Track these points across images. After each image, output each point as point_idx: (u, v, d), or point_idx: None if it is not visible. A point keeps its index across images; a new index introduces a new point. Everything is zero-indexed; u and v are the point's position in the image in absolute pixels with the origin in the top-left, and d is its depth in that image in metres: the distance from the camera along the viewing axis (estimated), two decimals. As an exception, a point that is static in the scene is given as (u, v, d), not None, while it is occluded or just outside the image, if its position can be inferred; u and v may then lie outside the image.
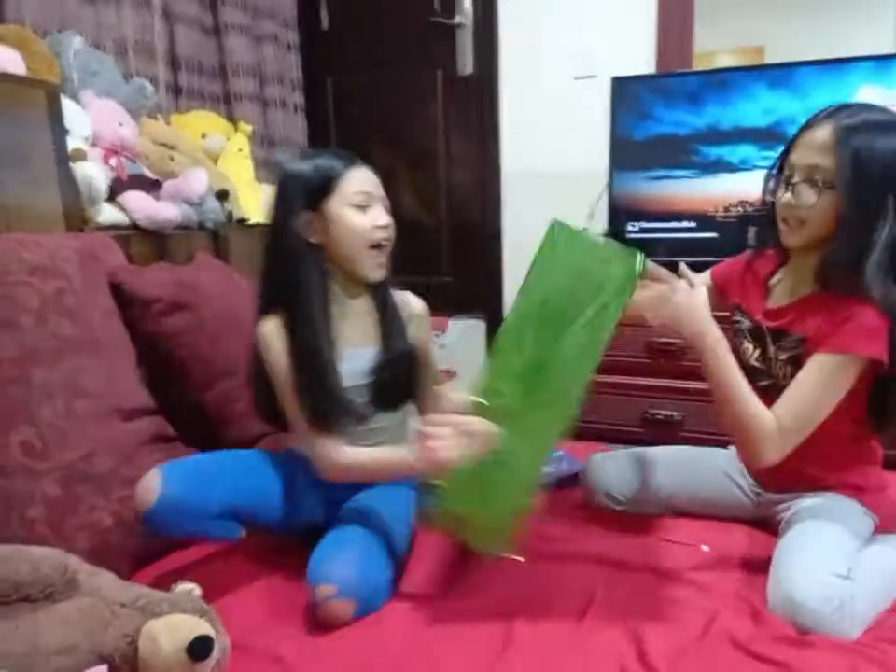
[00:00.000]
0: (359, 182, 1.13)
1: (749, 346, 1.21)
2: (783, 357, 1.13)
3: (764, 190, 1.15)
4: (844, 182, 1.00)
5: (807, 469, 1.14)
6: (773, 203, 1.12)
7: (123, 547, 1.13)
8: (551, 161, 2.52)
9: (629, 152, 2.13)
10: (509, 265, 2.55)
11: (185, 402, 1.38)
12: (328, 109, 2.82)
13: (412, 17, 2.62)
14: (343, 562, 1.05)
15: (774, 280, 1.21)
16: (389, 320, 1.20)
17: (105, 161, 1.62)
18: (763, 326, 1.18)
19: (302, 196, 1.11)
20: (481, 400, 1.00)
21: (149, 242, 1.63)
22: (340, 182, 1.11)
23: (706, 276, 1.32)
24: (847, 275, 1.03)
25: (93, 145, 1.61)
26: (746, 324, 1.22)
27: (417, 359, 1.22)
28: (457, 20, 2.56)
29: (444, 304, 2.63)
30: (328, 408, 1.10)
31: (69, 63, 1.64)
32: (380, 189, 1.16)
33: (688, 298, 1.06)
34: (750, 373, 1.12)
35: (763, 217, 1.16)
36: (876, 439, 1.19)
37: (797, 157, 1.06)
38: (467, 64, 2.59)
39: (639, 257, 0.98)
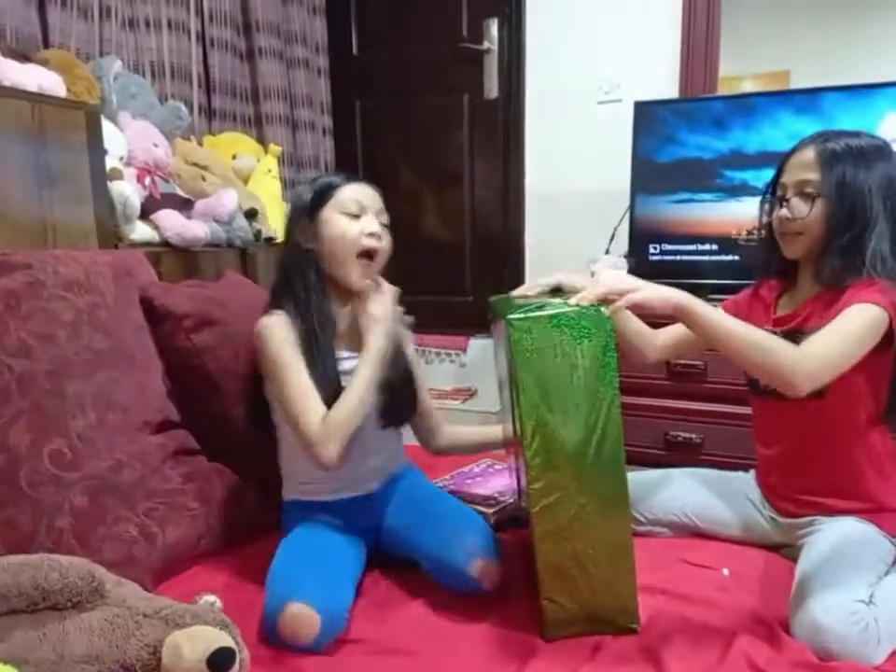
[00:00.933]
0: (354, 192, 1.19)
1: None
2: None
3: (761, 215, 1.24)
4: (829, 188, 1.11)
5: (821, 482, 1.14)
6: (769, 226, 1.22)
7: (147, 559, 1.15)
8: (574, 183, 2.54)
9: (651, 175, 2.14)
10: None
11: (211, 417, 1.41)
12: (355, 132, 2.88)
13: (440, 42, 2.67)
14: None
15: (783, 296, 1.25)
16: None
17: (140, 180, 1.66)
18: (775, 333, 1.17)
19: (303, 207, 1.20)
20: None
21: (180, 259, 1.67)
22: (336, 191, 1.19)
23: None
24: (845, 268, 1.10)
25: (128, 164, 1.66)
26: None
27: (413, 373, 1.28)
28: (485, 45, 2.60)
29: (465, 323, 2.65)
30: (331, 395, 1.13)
31: (109, 86, 1.70)
32: (378, 202, 1.22)
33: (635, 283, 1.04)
34: (759, 388, 1.16)
35: (763, 242, 1.25)
36: (891, 458, 1.18)
37: (787, 177, 1.18)
38: (493, 89, 2.63)
39: (602, 311, 0.96)
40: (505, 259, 2.67)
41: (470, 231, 2.74)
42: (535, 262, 2.65)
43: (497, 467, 1.58)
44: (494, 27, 2.59)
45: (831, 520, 1.15)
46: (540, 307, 0.97)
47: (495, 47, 2.60)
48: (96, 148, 1.48)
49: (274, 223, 2.10)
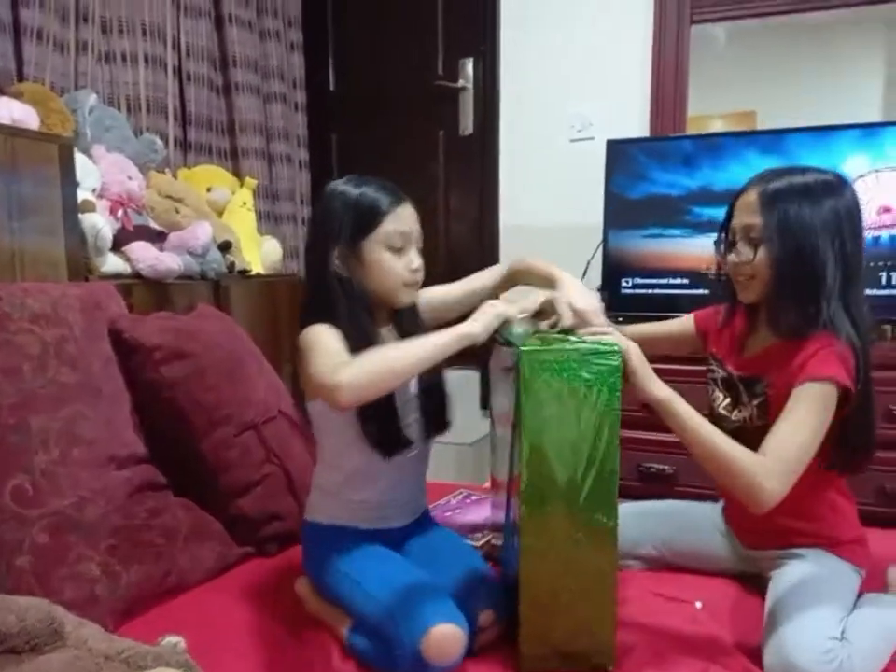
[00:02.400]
0: (399, 221, 1.12)
1: (719, 395, 1.23)
2: (755, 402, 1.15)
3: (717, 256, 1.22)
4: (770, 231, 1.08)
5: (779, 521, 1.12)
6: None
7: (110, 598, 1.11)
8: (547, 218, 2.58)
9: (623, 211, 2.18)
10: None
11: (180, 449, 1.38)
12: (331, 165, 2.90)
13: (416, 80, 2.72)
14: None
15: (749, 335, 1.23)
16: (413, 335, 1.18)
17: (112, 212, 1.66)
18: (734, 376, 1.20)
19: (340, 231, 1.11)
20: None
21: (151, 291, 1.66)
22: (380, 222, 1.11)
23: (689, 321, 1.34)
24: (800, 321, 1.08)
25: (101, 197, 1.65)
26: (720, 374, 1.24)
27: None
28: (460, 83, 2.65)
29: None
30: (389, 428, 1.10)
31: (84, 119, 1.70)
32: (417, 223, 1.16)
33: (640, 358, 1.03)
34: (717, 420, 1.16)
35: (723, 282, 1.23)
36: (846, 494, 1.19)
37: (735, 221, 1.15)
38: (468, 125, 2.67)
39: (616, 352, 0.97)
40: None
41: (446, 264, 2.75)
42: (510, 296, 2.66)
43: (473, 497, 1.58)
44: (469, 66, 2.64)
45: (795, 552, 1.16)
46: (554, 340, 0.98)
47: (470, 85, 2.65)
48: (68, 181, 1.47)
49: (249, 256, 2.10)
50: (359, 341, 1.06)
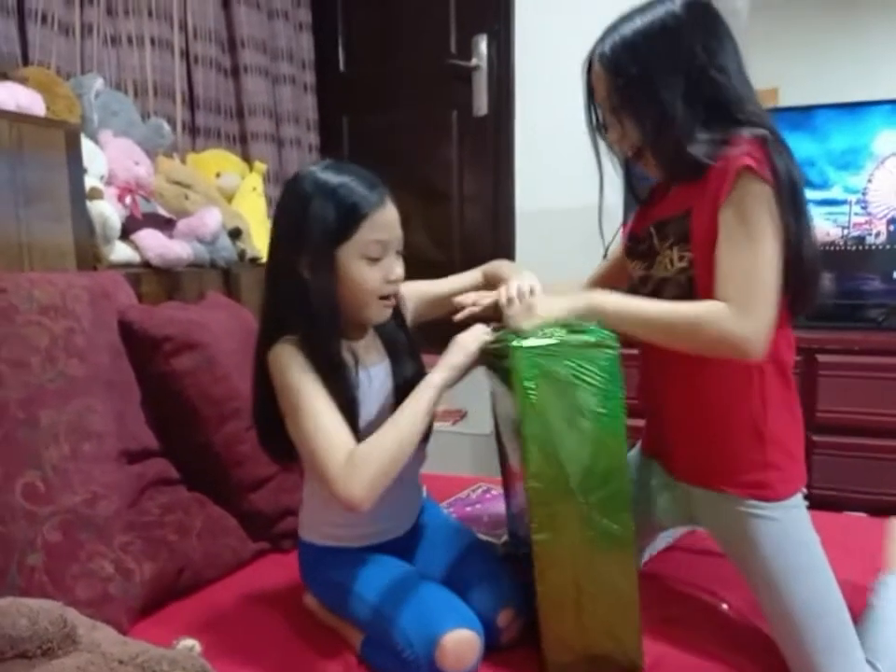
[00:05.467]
0: (377, 227, 1.00)
1: (636, 264, 1.13)
2: (668, 242, 1.04)
3: (595, 138, 1.15)
4: (619, 101, 1.03)
5: (710, 420, 1.03)
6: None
7: (123, 597, 1.09)
8: (564, 200, 2.52)
9: (644, 190, 2.11)
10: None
11: (191, 443, 1.36)
12: (343, 148, 2.84)
13: (428, 59, 2.65)
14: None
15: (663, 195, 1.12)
16: (396, 345, 1.13)
17: (120, 199, 1.62)
18: (649, 227, 1.09)
19: (311, 233, 0.98)
20: None
21: (161, 280, 1.63)
22: (358, 228, 0.99)
23: (617, 245, 1.28)
24: (682, 160, 0.99)
25: (108, 183, 1.62)
26: (639, 246, 1.12)
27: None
28: (473, 62, 2.58)
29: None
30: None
31: (90, 104, 1.66)
32: (397, 229, 1.05)
33: (531, 300, 1.00)
34: (636, 288, 1.09)
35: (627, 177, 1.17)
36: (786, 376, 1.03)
37: (596, 96, 1.08)
38: (482, 106, 2.61)
39: (613, 338, 0.92)
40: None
41: (459, 249, 2.70)
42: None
43: (493, 492, 1.54)
44: (483, 43, 2.57)
45: (730, 507, 1.01)
46: (545, 334, 0.93)
47: (483, 63, 2.58)
48: (75, 167, 1.44)
49: (259, 242, 2.06)
50: (328, 365, 1.00)
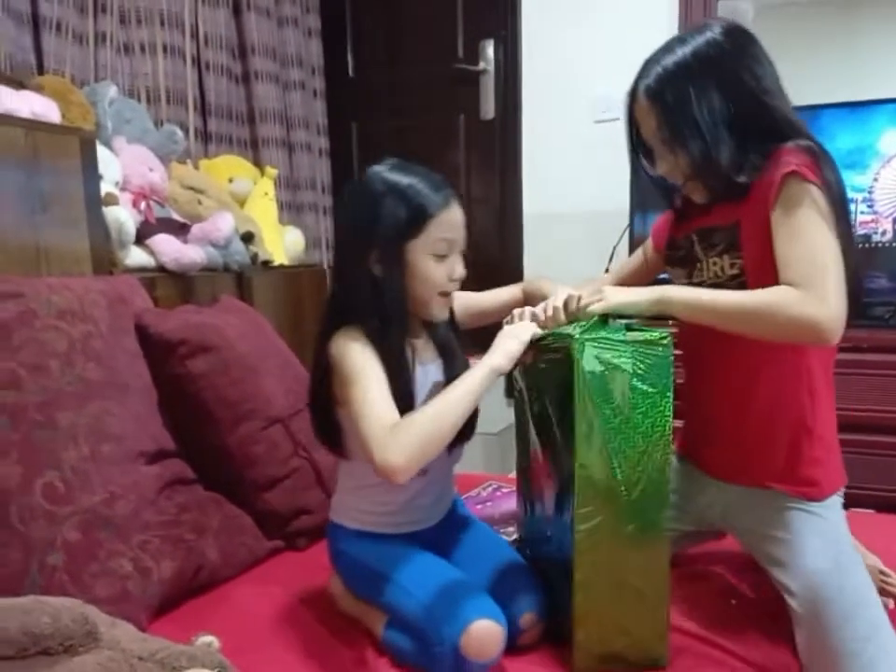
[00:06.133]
0: (446, 226, 1.05)
1: (676, 270, 1.16)
2: (716, 250, 1.07)
3: (640, 169, 1.16)
4: (673, 135, 1.03)
5: (753, 412, 1.06)
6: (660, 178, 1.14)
7: (142, 595, 1.11)
8: (572, 203, 2.53)
9: (651, 195, 2.12)
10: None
11: (206, 444, 1.38)
12: (352, 153, 2.87)
13: (435, 64, 2.67)
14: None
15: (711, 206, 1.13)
16: (448, 346, 1.16)
17: (135, 205, 1.65)
18: (690, 235, 1.12)
19: (384, 229, 1.02)
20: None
21: (175, 284, 1.65)
22: (427, 226, 1.03)
23: (648, 244, 1.28)
24: (731, 180, 1.01)
25: (123, 189, 1.64)
26: (678, 252, 1.16)
27: None
28: (480, 66, 2.60)
29: (464, 344, 2.62)
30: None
31: (104, 112, 1.69)
32: (462, 229, 1.09)
33: (606, 291, 1.02)
34: None
35: (655, 181, 1.17)
36: (828, 379, 1.06)
37: (643, 130, 1.10)
38: (489, 109, 2.63)
39: (667, 341, 0.94)
40: (504, 280, 2.64)
41: (468, 251, 2.71)
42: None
43: (503, 490, 1.56)
44: (490, 48, 2.59)
45: (773, 507, 1.05)
46: (606, 330, 0.97)
47: (491, 67, 2.61)
48: (91, 174, 1.46)
49: (271, 246, 2.09)
50: (390, 354, 1.03)
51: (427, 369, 1.12)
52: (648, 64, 1.07)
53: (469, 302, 1.25)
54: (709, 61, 1.02)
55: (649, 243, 1.28)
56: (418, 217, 1.03)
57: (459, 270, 1.09)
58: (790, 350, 1.01)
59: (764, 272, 0.98)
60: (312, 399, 1.13)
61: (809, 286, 0.92)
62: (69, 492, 1.09)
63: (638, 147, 1.14)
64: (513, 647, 1.01)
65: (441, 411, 0.96)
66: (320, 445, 1.16)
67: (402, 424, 0.95)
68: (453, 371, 1.11)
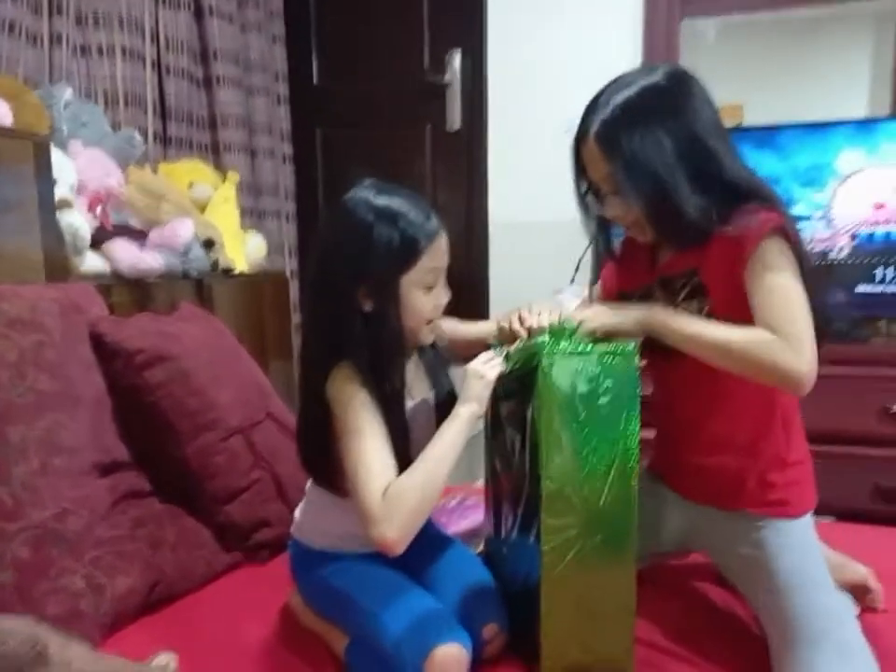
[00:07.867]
0: (437, 257, 1.02)
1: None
2: (681, 296, 1.07)
3: (586, 209, 1.15)
4: (623, 181, 1.02)
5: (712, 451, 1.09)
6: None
7: (95, 612, 1.07)
8: (538, 214, 2.55)
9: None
10: (494, 317, 2.54)
11: (165, 456, 1.34)
12: (316, 160, 2.85)
13: (401, 74, 2.68)
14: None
15: (657, 249, 1.15)
16: (436, 371, 1.15)
17: (90, 209, 1.60)
18: (651, 284, 1.12)
19: (376, 266, 0.98)
20: None
21: (132, 291, 1.61)
22: (419, 259, 0.99)
23: (597, 288, 1.29)
24: (692, 230, 1.02)
25: (79, 194, 1.60)
26: (632, 301, 1.15)
27: None
28: (446, 78, 2.61)
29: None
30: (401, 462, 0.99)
31: (60, 114, 1.64)
32: (448, 255, 1.05)
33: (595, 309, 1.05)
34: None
35: (604, 227, 1.17)
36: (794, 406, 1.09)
37: (590, 172, 1.08)
38: (455, 121, 2.63)
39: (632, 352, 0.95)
40: (469, 290, 2.65)
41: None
42: (499, 293, 2.64)
43: (470, 501, 1.54)
44: (456, 59, 2.60)
45: (743, 525, 1.07)
46: (572, 342, 0.97)
47: (457, 79, 2.61)
48: (45, 178, 1.41)
49: (232, 253, 2.05)
50: (385, 389, 1.01)
51: (418, 390, 1.11)
52: (592, 107, 1.06)
53: (447, 330, 1.21)
54: (657, 105, 1.02)
55: (599, 289, 1.28)
56: (413, 248, 0.99)
57: (444, 297, 1.07)
58: (766, 388, 1.03)
59: (733, 312, 1.01)
60: (300, 436, 1.10)
61: (788, 338, 0.95)
62: (18, 507, 1.05)
63: (581, 185, 1.13)
64: (478, 661, 1.00)
65: (429, 474, 0.95)
66: (281, 457, 1.14)
67: (394, 494, 0.93)
68: (441, 389, 1.13)
